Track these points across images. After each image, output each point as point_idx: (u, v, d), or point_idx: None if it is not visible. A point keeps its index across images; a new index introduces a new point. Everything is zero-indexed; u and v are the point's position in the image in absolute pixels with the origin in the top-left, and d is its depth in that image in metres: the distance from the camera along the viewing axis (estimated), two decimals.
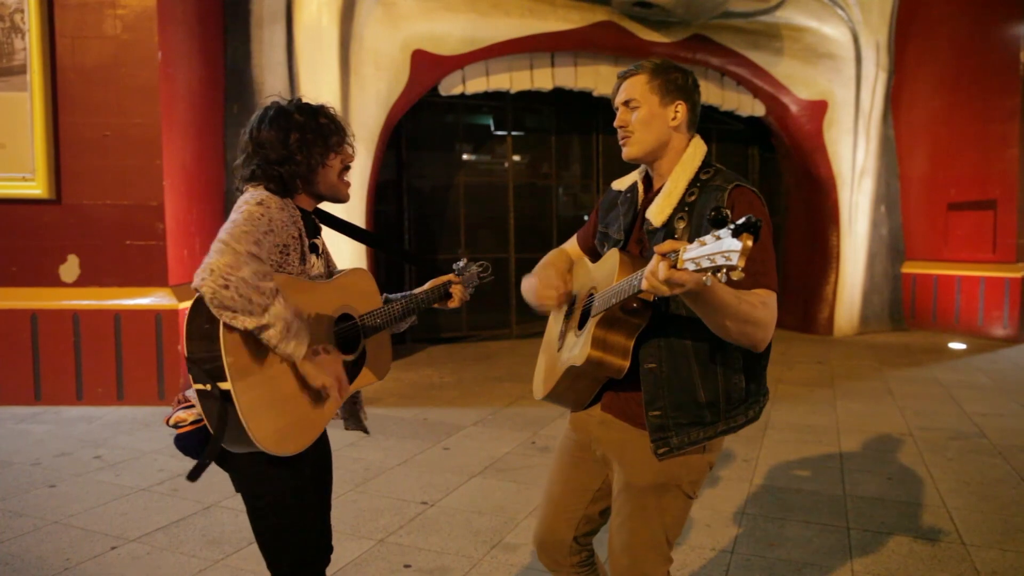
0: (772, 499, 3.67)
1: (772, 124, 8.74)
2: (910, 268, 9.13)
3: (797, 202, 9.16)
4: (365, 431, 2.07)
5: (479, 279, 2.24)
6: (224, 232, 1.61)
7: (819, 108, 8.33)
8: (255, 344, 1.62)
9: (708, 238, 1.29)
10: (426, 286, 2.12)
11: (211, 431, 1.65)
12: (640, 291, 1.51)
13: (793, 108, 8.34)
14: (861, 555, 3.05)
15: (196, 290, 1.54)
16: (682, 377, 1.74)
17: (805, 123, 8.43)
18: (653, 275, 1.40)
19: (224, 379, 1.59)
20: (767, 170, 9.72)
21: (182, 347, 5.34)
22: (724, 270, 1.26)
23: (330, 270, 1.97)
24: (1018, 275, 8.13)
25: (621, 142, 1.85)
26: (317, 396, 1.75)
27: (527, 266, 7.99)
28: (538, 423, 5.00)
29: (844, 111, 8.42)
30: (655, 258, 1.41)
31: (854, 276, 8.76)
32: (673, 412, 1.74)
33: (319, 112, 1.86)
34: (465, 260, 2.24)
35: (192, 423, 1.74)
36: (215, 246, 1.57)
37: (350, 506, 3.55)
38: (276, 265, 1.71)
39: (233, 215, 1.69)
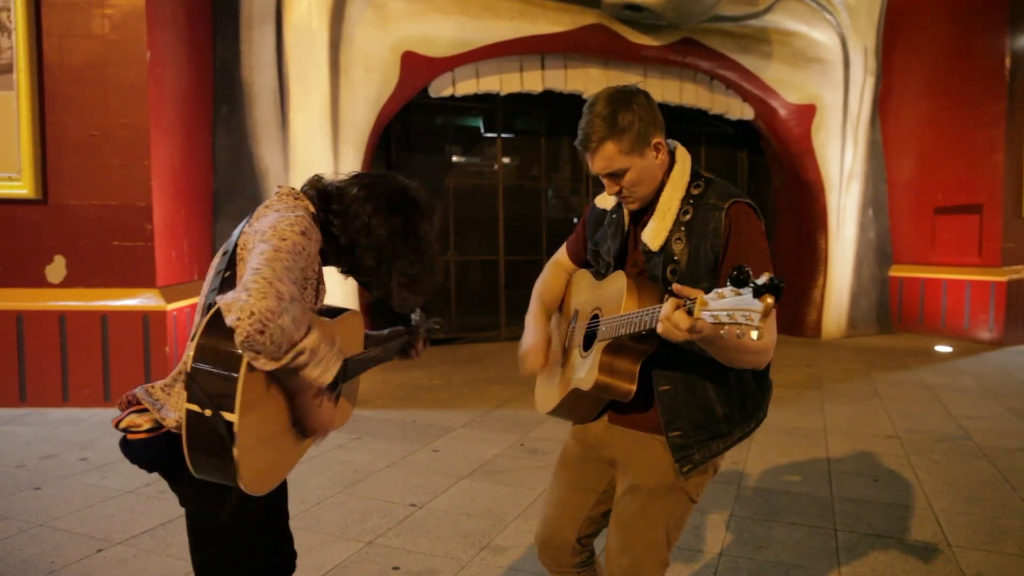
0: (760, 501, 3.69)
1: (761, 128, 8.78)
2: (897, 271, 9.19)
3: (785, 205, 9.21)
4: None
5: (428, 333, 2.17)
6: (265, 262, 1.47)
7: (808, 112, 8.38)
8: (267, 380, 1.54)
9: (727, 291, 1.28)
10: (389, 332, 2.07)
11: (187, 453, 1.50)
12: (653, 330, 1.49)
13: (782, 112, 8.38)
14: (848, 557, 3.07)
15: (230, 327, 1.40)
16: (698, 397, 1.75)
17: (794, 127, 8.48)
18: (669, 321, 1.40)
19: (232, 411, 1.47)
20: (756, 173, 9.76)
21: (170, 349, 5.32)
22: (741, 328, 1.25)
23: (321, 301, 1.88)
24: (1003, 279, 8.20)
25: (623, 200, 1.81)
26: (297, 438, 1.68)
27: (516, 268, 7.97)
28: (527, 425, 5.00)
29: (832, 115, 8.47)
30: (670, 303, 1.40)
31: (842, 279, 8.81)
32: (693, 431, 1.76)
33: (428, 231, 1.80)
34: (419, 312, 2.16)
35: (147, 431, 1.62)
36: (255, 280, 1.43)
37: (338, 508, 3.54)
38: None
39: (274, 239, 1.53)
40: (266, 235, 1.55)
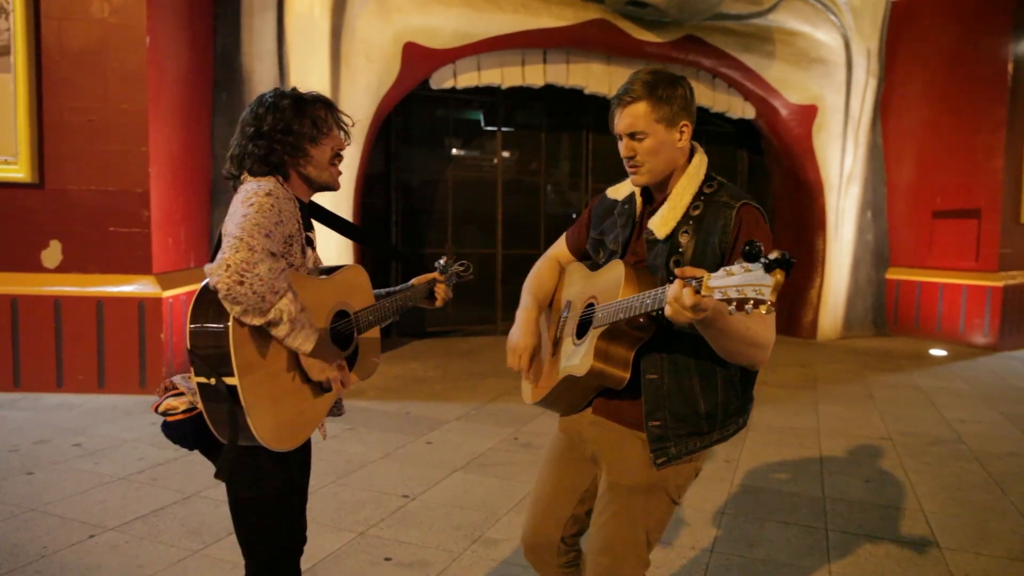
0: (752, 500, 3.70)
1: (762, 127, 8.77)
2: (894, 274, 9.20)
3: (784, 205, 9.21)
4: (339, 413, 2.03)
5: (458, 277, 2.27)
6: (236, 227, 1.60)
7: (809, 112, 8.37)
8: (261, 339, 1.64)
9: (736, 268, 1.27)
10: (411, 283, 2.16)
11: (210, 424, 1.66)
12: (658, 312, 1.49)
13: (783, 112, 8.37)
14: (839, 557, 3.08)
15: (212, 288, 1.55)
16: (684, 389, 1.75)
17: (795, 127, 8.47)
18: (678, 301, 1.39)
19: (231, 374, 1.59)
20: (756, 173, 9.76)
21: (165, 336, 5.31)
22: (751, 302, 1.25)
23: (317, 266, 1.96)
24: (999, 284, 8.21)
25: (630, 170, 1.81)
26: (315, 392, 1.77)
27: (514, 262, 7.97)
28: (521, 419, 5.00)
29: (834, 116, 8.46)
30: (677, 283, 1.39)
31: (839, 281, 8.81)
32: (673, 423, 1.75)
33: (315, 97, 1.88)
34: (446, 259, 2.24)
35: (184, 411, 1.74)
36: (229, 242, 1.57)
37: (331, 498, 3.54)
38: (281, 257, 1.71)
39: (242, 208, 1.66)
40: (236, 210, 1.68)
